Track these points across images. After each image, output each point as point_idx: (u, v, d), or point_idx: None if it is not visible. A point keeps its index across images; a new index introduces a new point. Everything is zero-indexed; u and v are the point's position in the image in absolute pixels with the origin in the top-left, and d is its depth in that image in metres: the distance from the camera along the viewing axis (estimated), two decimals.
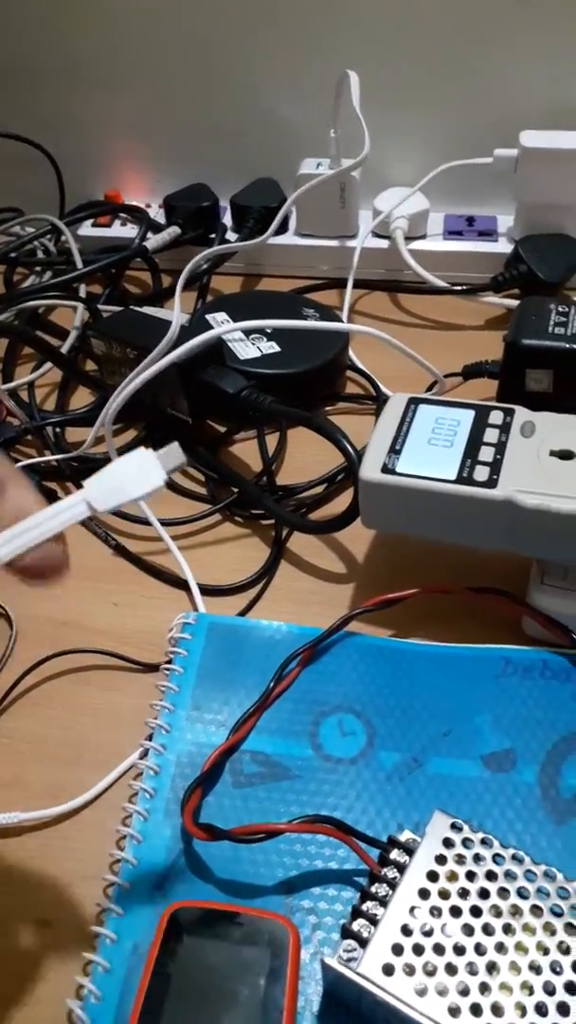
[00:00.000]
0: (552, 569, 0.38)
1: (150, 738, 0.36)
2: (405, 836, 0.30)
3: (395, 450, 0.38)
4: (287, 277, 0.66)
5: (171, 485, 0.49)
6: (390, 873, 0.29)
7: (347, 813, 0.33)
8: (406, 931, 0.27)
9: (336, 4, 0.62)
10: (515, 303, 0.57)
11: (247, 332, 0.54)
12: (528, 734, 0.35)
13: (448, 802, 0.33)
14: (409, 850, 0.30)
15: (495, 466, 0.37)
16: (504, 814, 0.33)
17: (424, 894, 0.28)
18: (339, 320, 0.57)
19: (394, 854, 0.30)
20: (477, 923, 0.27)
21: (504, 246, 0.63)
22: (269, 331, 0.55)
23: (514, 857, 0.29)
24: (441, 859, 0.29)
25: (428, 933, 0.27)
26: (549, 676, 0.37)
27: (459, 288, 0.59)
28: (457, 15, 0.61)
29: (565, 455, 0.36)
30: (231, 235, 0.65)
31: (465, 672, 0.38)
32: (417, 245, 0.63)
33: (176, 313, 0.49)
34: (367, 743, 0.36)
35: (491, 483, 0.36)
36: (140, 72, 0.68)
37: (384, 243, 0.63)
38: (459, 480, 0.36)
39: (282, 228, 0.66)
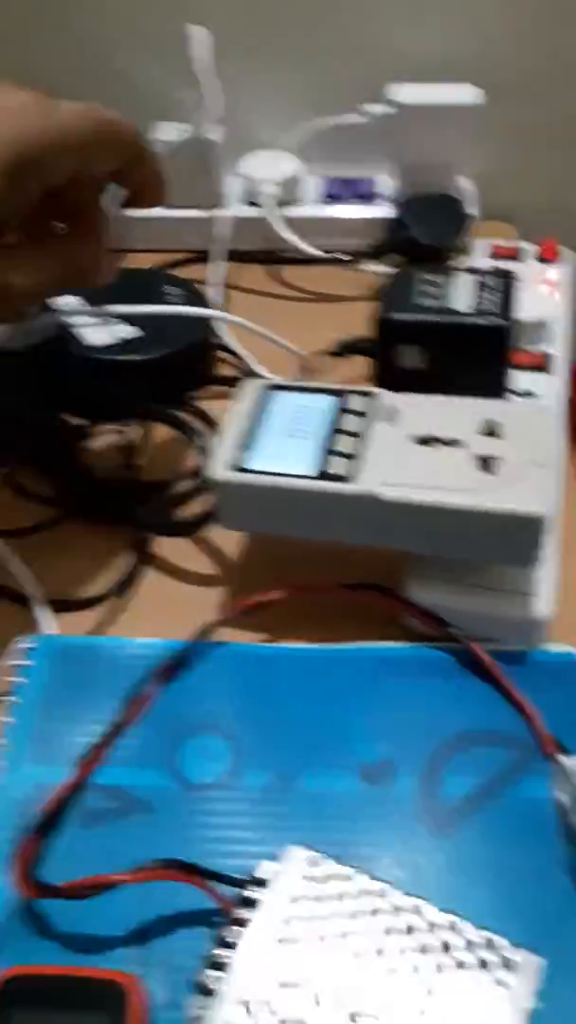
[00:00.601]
0: (427, 560, 0.36)
1: None
2: (264, 870, 0.28)
3: (246, 444, 0.35)
4: (156, 252, 0.62)
5: (16, 488, 0.45)
6: (246, 914, 0.27)
7: (211, 845, 0.30)
8: (256, 983, 0.24)
9: None
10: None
11: (99, 314, 0.50)
12: (408, 740, 0.33)
13: (323, 820, 0.31)
14: (267, 887, 0.27)
15: (354, 457, 0.34)
16: (383, 829, 0.31)
17: (277, 940, 0.25)
18: (202, 298, 0.53)
19: (249, 891, 0.27)
20: (335, 970, 0.25)
21: (384, 209, 0.59)
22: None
23: (380, 891, 0.26)
24: (296, 900, 0.26)
25: (283, 985, 0.24)
26: (430, 674, 0.35)
27: (337, 257, 0.56)
28: None
29: (428, 441, 0.34)
30: None
31: (341, 675, 0.35)
32: (291, 212, 0.59)
33: None
34: (233, 764, 0.33)
35: (349, 476, 0.33)
36: None
37: (255, 211, 0.59)
38: (317, 475, 0.33)
39: None
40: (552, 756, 0.31)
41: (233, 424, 0.36)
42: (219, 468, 0.35)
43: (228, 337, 0.53)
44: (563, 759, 0.30)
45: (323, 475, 0.33)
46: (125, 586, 0.40)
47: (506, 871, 0.29)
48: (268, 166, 0.59)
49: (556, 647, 0.35)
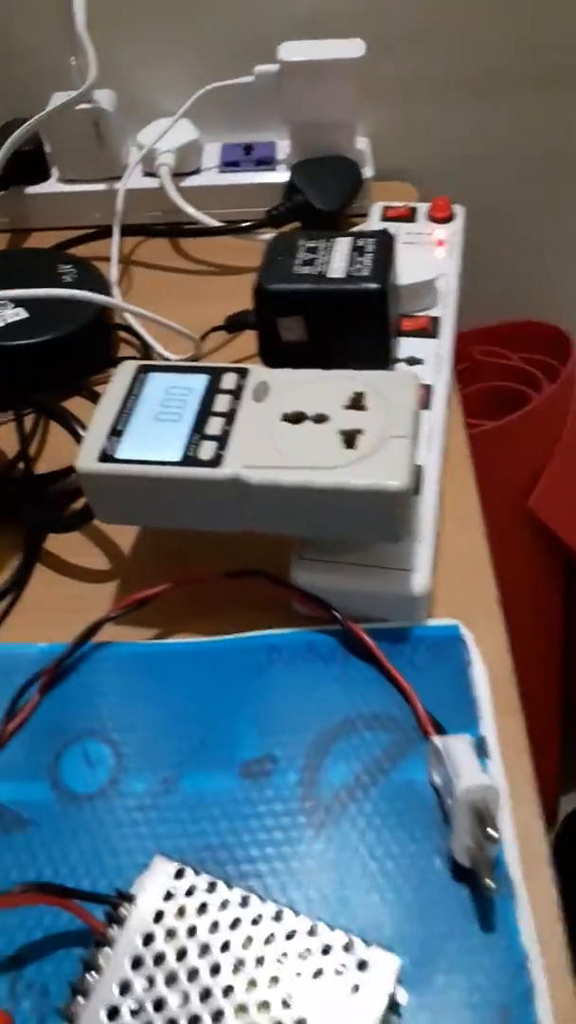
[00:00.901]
0: (310, 542, 0.34)
1: None
2: (139, 884, 0.27)
3: (117, 431, 0.33)
4: (57, 229, 0.59)
5: None
6: (116, 934, 0.26)
7: (88, 860, 0.29)
8: (112, 1014, 0.23)
9: None
10: None
11: None
12: (290, 731, 0.32)
13: (202, 823, 0.30)
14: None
15: (223, 440, 0.32)
16: (262, 828, 0.30)
17: (138, 963, 0.24)
18: (97, 277, 0.51)
19: (123, 910, 0.26)
20: (194, 988, 0.24)
21: (284, 175, 0.57)
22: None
23: (243, 900, 0.25)
24: (159, 916, 0.25)
25: (136, 1012, 0.23)
26: (315, 659, 0.34)
27: (234, 226, 0.54)
28: None
29: (296, 419, 0.32)
30: None
31: (226, 668, 0.34)
32: (190, 181, 0.57)
33: None
34: (115, 770, 0.31)
35: (216, 460, 0.31)
36: None
37: (155, 182, 0.57)
38: (183, 461, 0.32)
39: (44, 175, 0.59)
40: (428, 736, 0.30)
41: (103, 410, 0.34)
42: (85, 459, 0.33)
43: (128, 316, 0.51)
44: (436, 739, 0.29)
45: (190, 460, 0.32)
46: (14, 587, 0.39)
47: (382, 860, 0.28)
48: (165, 134, 0.56)
49: (439, 622, 0.33)
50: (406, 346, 0.40)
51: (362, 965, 0.23)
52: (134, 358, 0.50)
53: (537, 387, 0.63)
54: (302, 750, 0.31)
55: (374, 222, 0.48)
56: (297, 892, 0.28)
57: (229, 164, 0.58)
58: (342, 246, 0.38)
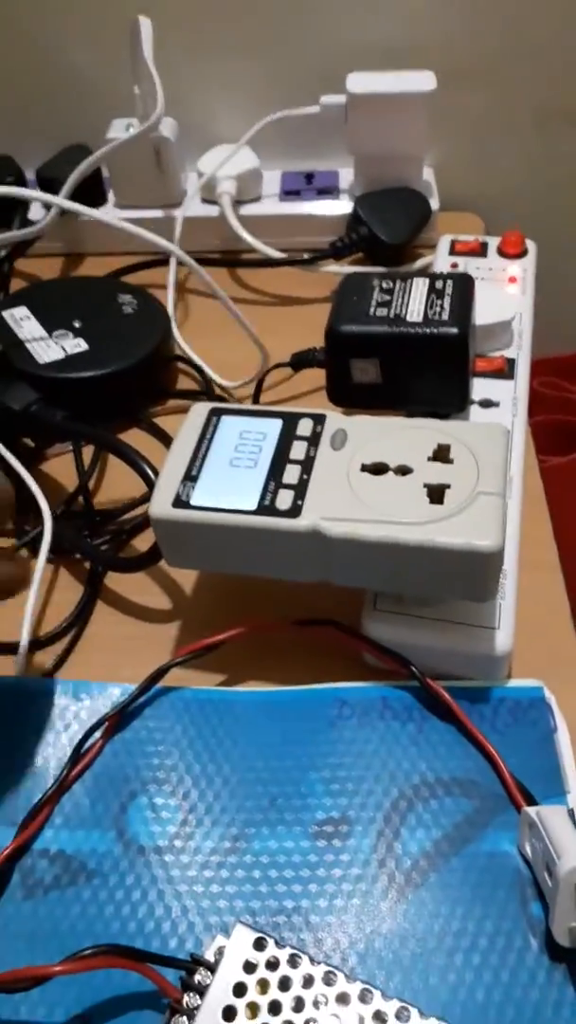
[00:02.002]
0: (386, 594, 0.34)
1: None
2: (214, 947, 0.26)
3: (191, 476, 0.33)
4: (111, 255, 0.59)
5: None
6: (192, 1001, 0.25)
7: (156, 916, 0.29)
8: None
9: None
10: (364, 270, 0.52)
11: (50, 330, 0.47)
12: (365, 792, 0.31)
13: (275, 885, 0.29)
14: (214, 969, 0.25)
15: (300, 489, 0.31)
16: (338, 894, 0.29)
17: None
18: (160, 305, 0.50)
19: (199, 976, 0.25)
20: None
21: (347, 204, 0.56)
22: (76, 325, 0.48)
23: (327, 976, 0.24)
24: (240, 989, 0.24)
25: None
26: (389, 717, 0.33)
27: (295, 258, 0.53)
28: None
29: (378, 469, 0.31)
30: (39, 213, 0.58)
31: (297, 720, 0.33)
32: (250, 210, 0.57)
33: None
34: (182, 823, 0.31)
35: (295, 511, 0.31)
36: None
37: (214, 210, 0.57)
38: (259, 510, 0.31)
39: (102, 200, 0.59)
40: (518, 806, 0.28)
41: (176, 454, 0.34)
42: (159, 504, 0.32)
43: (186, 347, 0.51)
44: (529, 810, 0.28)
45: (266, 509, 0.31)
46: (75, 625, 0.38)
47: (467, 936, 0.27)
48: (226, 162, 0.56)
49: (521, 682, 0.32)
50: (480, 387, 0.39)
51: None
52: (194, 391, 0.49)
53: None
54: (379, 813, 0.30)
55: (442, 255, 0.47)
56: (378, 967, 0.27)
57: (290, 192, 0.58)
58: (419, 287, 0.37)
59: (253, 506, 0.31)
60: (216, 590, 0.39)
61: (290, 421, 0.34)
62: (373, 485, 0.31)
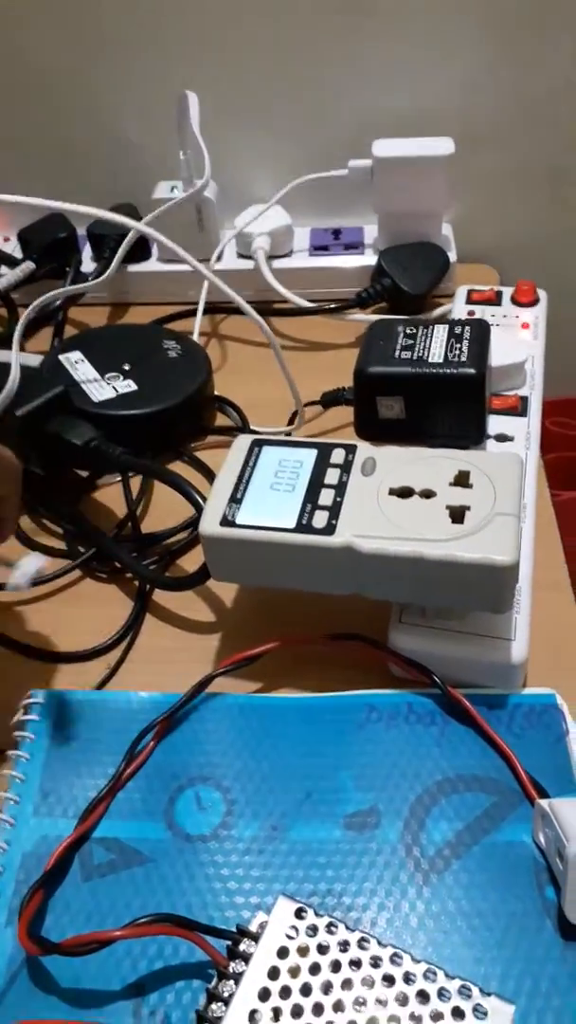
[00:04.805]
0: (410, 607, 0.37)
1: None
2: (256, 922, 0.29)
3: (236, 499, 0.37)
4: (153, 304, 0.64)
5: (26, 541, 0.47)
6: (238, 967, 0.28)
7: (205, 896, 0.31)
8: None
9: (171, 24, 0.60)
10: (388, 318, 0.56)
11: (102, 372, 0.52)
12: (392, 787, 0.34)
13: (310, 870, 0.32)
14: (258, 939, 0.28)
15: (334, 510, 0.35)
16: (368, 878, 0.31)
17: (264, 994, 0.26)
18: (202, 350, 0.55)
19: (243, 945, 0.28)
20: (320, 1022, 0.25)
21: (371, 258, 0.61)
22: (126, 368, 0.52)
23: (360, 942, 0.27)
24: (283, 952, 0.27)
25: None
26: (414, 721, 0.36)
27: (323, 307, 0.58)
28: (292, 29, 0.59)
29: (404, 493, 0.35)
30: (90, 266, 0.63)
31: (329, 724, 0.36)
32: (282, 263, 0.62)
33: (14, 359, 0.46)
34: (225, 815, 0.34)
35: (329, 529, 0.34)
36: None
37: (249, 264, 0.61)
38: (298, 528, 0.35)
39: (145, 255, 0.64)
40: (532, 799, 0.31)
41: (223, 479, 0.38)
42: (208, 523, 0.36)
43: (223, 389, 0.55)
44: (542, 802, 0.30)
45: (304, 528, 0.35)
46: (126, 637, 0.42)
47: (487, 916, 0.30)
48: (260, 219, 0.61)
49: (535, 690, 0.35)
50: (496, 423, 0.43)
51: (479, 1012, 0.25)
52: (229, 428, 0.53)
53: None
54: (405, 806, 0.33)
55: (459, 304, 0.51)
56: (407, 940, 0.29)
57: (319, 248, 0.63)
58: (440, 333, 0.41)
59: (292, 525, 0.35)
60: (255, 606, 0.43)
61: (324, 451, 0.38)
62: (400, 507, 0.34)
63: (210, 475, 0.50)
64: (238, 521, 0.36)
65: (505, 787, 0.33)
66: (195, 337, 0.57)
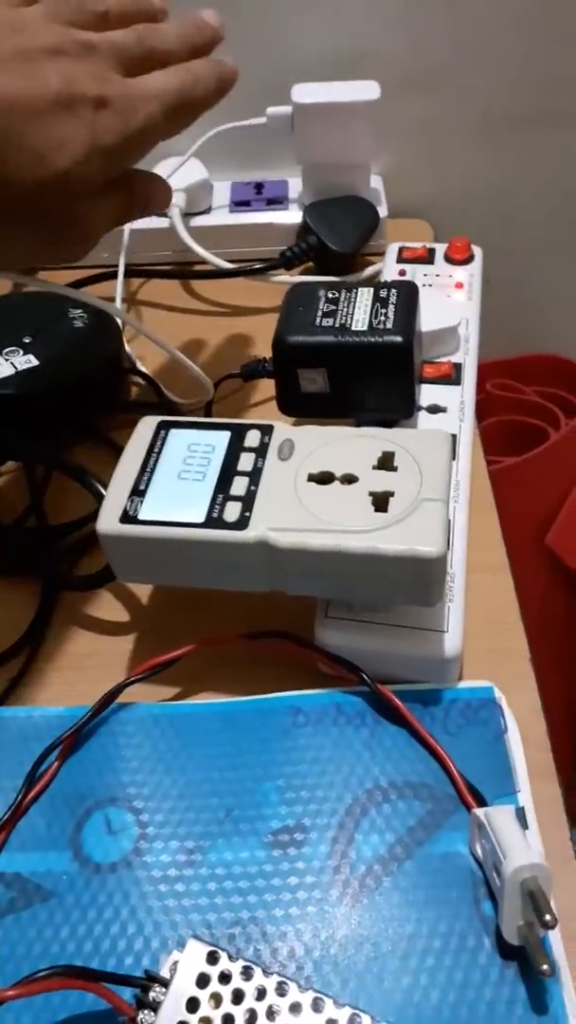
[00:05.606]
0: (336, 601, 0.34)
1: None
2: (169, 962, 0.26)
3: (139, 491, 0.33)
4: (65, 269, 0.59)
5: None
6: (147, 1018, 0.25)
7: (111, 934, 0.28)
8: None
9: None
10: (311, 279, 0.52)
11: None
12: (320, 799, 0.31)
13: (231, 896, 0.29)
14: (168, 985, 0.25)
15: (248, 500, 0.32)
16: (294, 902, 0.29)
17: None
18: (113, 319, 0.50)
19: (153, 993, 0.25)
20: None
21: (296, 214, 0.57)
22: (26, 341, 0.48)
23: (280, 986, 0.24)
24: (193, 1004, 0.24)
25: None
26: (343, 723, 0.33)
27: (245, 268, 0.53)
28: None
29: (324, 479, 0.31)
30: None
31: (251, 730, 0.33)
32: (200, 221, 0.57)
33: None
34: (138, 839, 0.31)
35: (242, 523, 0.31)
36: None
37: (164, 222, 0.57)
38: (208, 523, 0.31)
39: None
40: (468, 807, 0.29)
41: (123, 468, 0.34)
42: (106, 520, 0.32)
43: (137, 360, 0.51)
44: (478, 812, 0.28)
45: (214, 522, 0.31)
46: (28, 643, 0.38)
47: (422, 938, 0.27)
48: (175, 175, 0.56)
49: (472, 684, 0.33)
50: (428, 393, 0.40)
51: None
52: (146, 403, 0.49)
53: (553, 422, 0.63)
54: (333, 820, 0.30)
55: (390, 263, 0.48)
56: (334, 974, 0.27)
57: (240, 203, 0.58)
58: (364, 297, 0.38)
59: (201, 519, 0.31)
60: (171, 603, 0.39)
61: (238, 432, 0.34)
62: (320, 495, 0.31)
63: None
64: (140, 517, 0.32)
65: (440, 793, 0.30)
66: (117, 304, 0.53)
